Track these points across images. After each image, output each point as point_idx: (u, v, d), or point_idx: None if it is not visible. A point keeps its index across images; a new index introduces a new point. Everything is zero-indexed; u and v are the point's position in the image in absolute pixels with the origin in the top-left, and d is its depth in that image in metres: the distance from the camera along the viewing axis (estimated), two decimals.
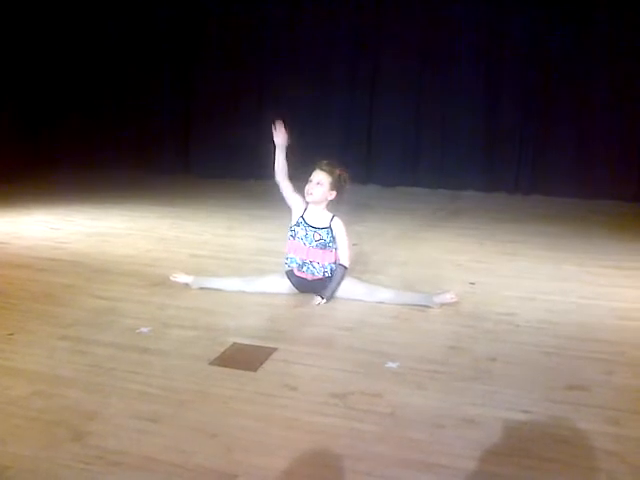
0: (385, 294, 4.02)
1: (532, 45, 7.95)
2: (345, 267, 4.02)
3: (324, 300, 3.96)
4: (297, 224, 4.09)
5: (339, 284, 4.00)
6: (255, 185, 8.72)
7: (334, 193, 4.04)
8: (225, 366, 3.08)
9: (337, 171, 4.04)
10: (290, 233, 4.11)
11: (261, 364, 3.10)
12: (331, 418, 2.61)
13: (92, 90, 9.43)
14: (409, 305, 3.94)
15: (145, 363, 3.09)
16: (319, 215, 4.08)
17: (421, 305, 3.93)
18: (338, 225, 4.06)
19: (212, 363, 3.11)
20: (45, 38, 9.20)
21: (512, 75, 8.12)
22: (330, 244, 4.04)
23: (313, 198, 4.03)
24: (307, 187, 4.04)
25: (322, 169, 4.03)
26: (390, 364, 3.12)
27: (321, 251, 4.03)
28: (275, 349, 3.27)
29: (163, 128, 9.35)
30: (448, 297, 3.93)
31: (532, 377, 3.03)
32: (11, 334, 3.39)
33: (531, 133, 8.16)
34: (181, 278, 4.20)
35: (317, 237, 4.03)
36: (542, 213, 7.28)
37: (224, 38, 8.92)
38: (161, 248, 5.35)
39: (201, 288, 4.17)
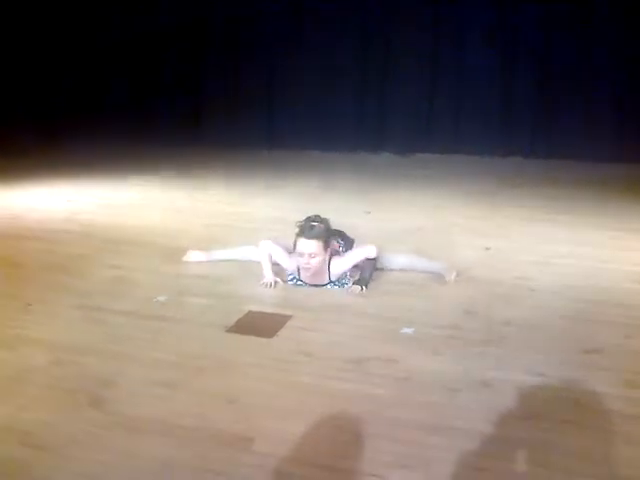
0: (402, 260, 3.99)
1: (547, 8, 7.80)
2: (373, 259, 3.75)
3: (364, 289, 3.68)
4: (295, 284, 3.78)
5: (372, 273, 3.78)
6: (268, 155, 8.69)
7: (328, 250, 3.66)
8: (241, 333, 3.11)
9: (322, 229, 3.60)
10: (290, 283, 3.81)
11: (277, 331, 3.12)
12: (347, 383, 2.63)
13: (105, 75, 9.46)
14: (425, 272, 3.92)
15: (162, 331, 3.12)
16: (318, 274, 3.70)
17: (436, 273, 3.90)
18: (338, 263, 3.72)
19: (229, 330, 3.13)
20: (53, 33, 9.14)
21: (526, 39, 7.98)
22: (342, 281, 3.78)
23: (314, 271, 3.64)
24: (301, 262, 3.61)
25: (309, 238, 3.54)
26: (406, 330, 3.13)
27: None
28: (290, 316, 3.28)
29: (175, 99, 9.33)
30: (449, 277, 3.81)
31: (548, 341, 3.02)
32: (29, 304, 3.43)
33: (546, 96, 8.03)
34: (194, 256, 4.13)
35: (324, 289, 3.75)
36: (558, 177, 7.19)
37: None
38: (176, 219, 5.37)
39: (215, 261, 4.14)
